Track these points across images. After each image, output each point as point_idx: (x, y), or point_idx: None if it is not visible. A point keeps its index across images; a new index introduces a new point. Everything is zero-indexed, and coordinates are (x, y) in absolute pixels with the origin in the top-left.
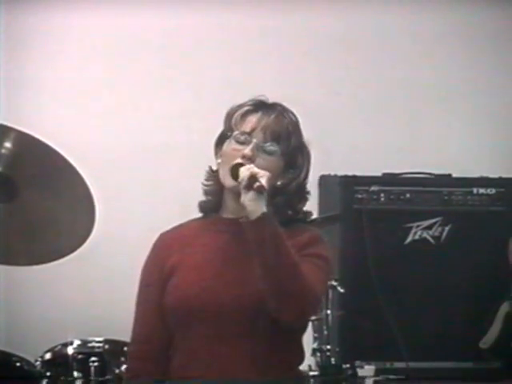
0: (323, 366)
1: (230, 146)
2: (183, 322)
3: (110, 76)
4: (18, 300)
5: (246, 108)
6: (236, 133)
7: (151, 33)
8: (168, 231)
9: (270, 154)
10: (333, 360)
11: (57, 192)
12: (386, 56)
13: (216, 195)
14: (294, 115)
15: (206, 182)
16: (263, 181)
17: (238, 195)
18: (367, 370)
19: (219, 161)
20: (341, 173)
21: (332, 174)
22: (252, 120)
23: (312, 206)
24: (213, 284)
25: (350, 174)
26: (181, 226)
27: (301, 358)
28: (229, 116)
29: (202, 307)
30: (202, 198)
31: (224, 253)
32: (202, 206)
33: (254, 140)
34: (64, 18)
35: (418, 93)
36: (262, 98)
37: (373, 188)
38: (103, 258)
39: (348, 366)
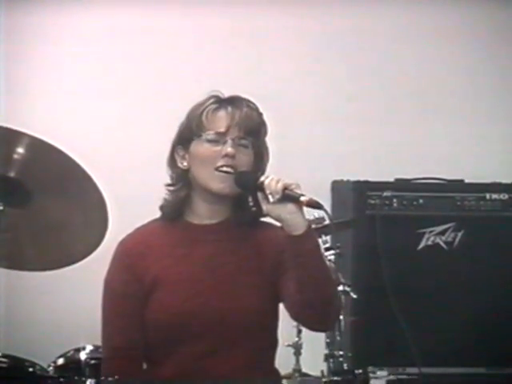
0: (336, 372)
1: (203, 146)
2: (174, 337)
3: (112, 80)
4: (31, 305)
5: (213, 106)
6: (209, 133)
7: (151, 35)
8: (132, 236)
9: (245, 147)
10: (345, 365)
11: (69, 197)
12: (398, 61)
13: (184, 198)
14: (257, 106)
15: (172, 186)
16: (299, 191)
17: (214, 198)
18: (379, 376)
19: (185, 163)
20: (353, 178)
21: (345, 179)
22: (224, 117)
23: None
24: (208, 299)
25: (362, 179)
26: (144, 229)
27: (275, 348)
28: (196, 116)
29: (200, 323)
30: (166, 201)
31: (210, 264)
32: (167, 211)
33: (230, 137)
34: (64, 20)
35: (431, 98)
36: (218, 94)
37: (385, 193)
38: None
39: (360, 371)
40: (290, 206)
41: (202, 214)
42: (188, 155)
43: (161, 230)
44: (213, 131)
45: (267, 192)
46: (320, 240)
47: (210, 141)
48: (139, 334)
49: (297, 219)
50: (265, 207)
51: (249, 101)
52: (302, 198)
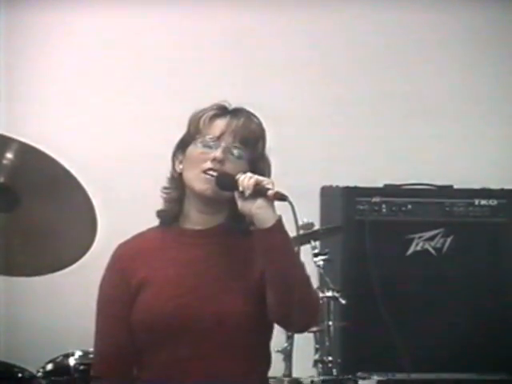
0: (325, 377)
1: (196, 149)
2: (157, 338)
3: (110, 83)
4: (20, 311)
5: (213, 112)
6: (204, 136)
7: (152, 37)
8: (127, 242)
9: (239, 157)
10: (334, 371)
11: (58, 202)
12: (387, 67)
13: (177, 202)
14: (260, 121)
15: (166, 188)
16: (270, 187)
17: (203, 204)
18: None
19: (181, 166)
20: (343, 184)
21: (334, 185)
22: (221, 124)
23: (314, 216)
24: (190, 300)
25: (351, 185)
26: (140, 236)
27: (269, 364)
28: (195, 120)
29: (180, 324)
30: (162, 206)
31: (196, 267)
32: (163, 216)
33: (223, 143)
34: (64, 21)
35: (420, 103)
36: (225, 104)
37: (374, 199)
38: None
39: (350, 377)
40: (260, 201)
41: (195, 221)
42: (183, 158)
43: (154, 235)
44: (207, 136)
45: (240, 189)
46: (309, 246)
47: (203, 144)
48: (128, 338)
49: (266, 213)
50: (239, 204)
51: (251, 113)
52: (269, 192)
